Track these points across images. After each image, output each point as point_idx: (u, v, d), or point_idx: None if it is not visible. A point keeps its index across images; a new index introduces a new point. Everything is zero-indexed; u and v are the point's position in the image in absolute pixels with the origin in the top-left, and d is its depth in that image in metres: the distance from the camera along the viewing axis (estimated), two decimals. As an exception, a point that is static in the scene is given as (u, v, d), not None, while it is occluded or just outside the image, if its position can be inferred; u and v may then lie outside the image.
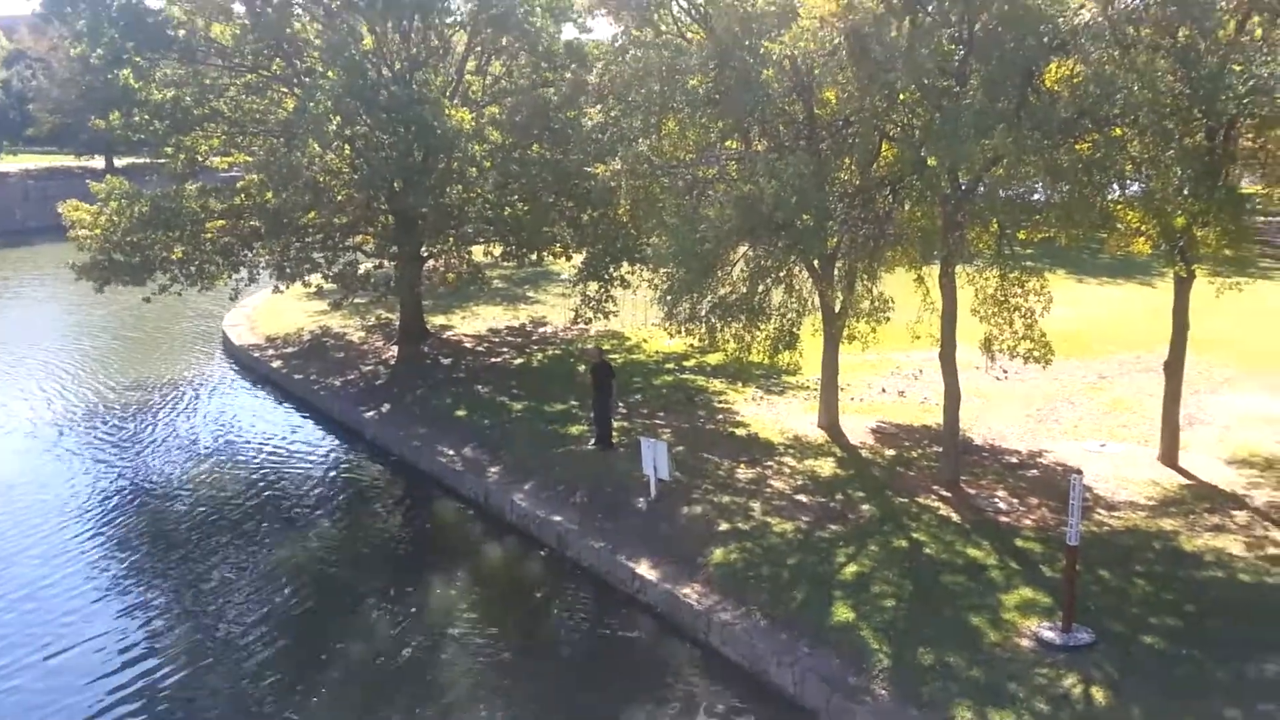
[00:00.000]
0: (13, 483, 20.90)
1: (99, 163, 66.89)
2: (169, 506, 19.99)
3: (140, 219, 24.76)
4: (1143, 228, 17.47)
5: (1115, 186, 17.00)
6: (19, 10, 28.37)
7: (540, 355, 27.67)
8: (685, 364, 26.02)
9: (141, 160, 44.83)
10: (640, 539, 16.62)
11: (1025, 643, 12.98)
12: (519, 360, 27.27)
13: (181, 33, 25.36)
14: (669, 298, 19.65)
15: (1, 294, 41.92)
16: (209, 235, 25.95)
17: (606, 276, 26.10)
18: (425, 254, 28.39)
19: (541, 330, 30.83)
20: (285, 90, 26.63)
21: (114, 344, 33.16)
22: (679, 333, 20.81)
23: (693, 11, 20.49)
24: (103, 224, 25.29)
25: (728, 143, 20.33)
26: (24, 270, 47.51)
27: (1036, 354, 17.28)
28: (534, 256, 28.94)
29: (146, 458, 22.53)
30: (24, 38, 75.41)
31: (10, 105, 64.11)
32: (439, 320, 31.53)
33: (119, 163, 61.51)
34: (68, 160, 71.32)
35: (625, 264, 26.01)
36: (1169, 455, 18.76)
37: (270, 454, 22.95)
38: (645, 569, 15.76)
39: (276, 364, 28.54)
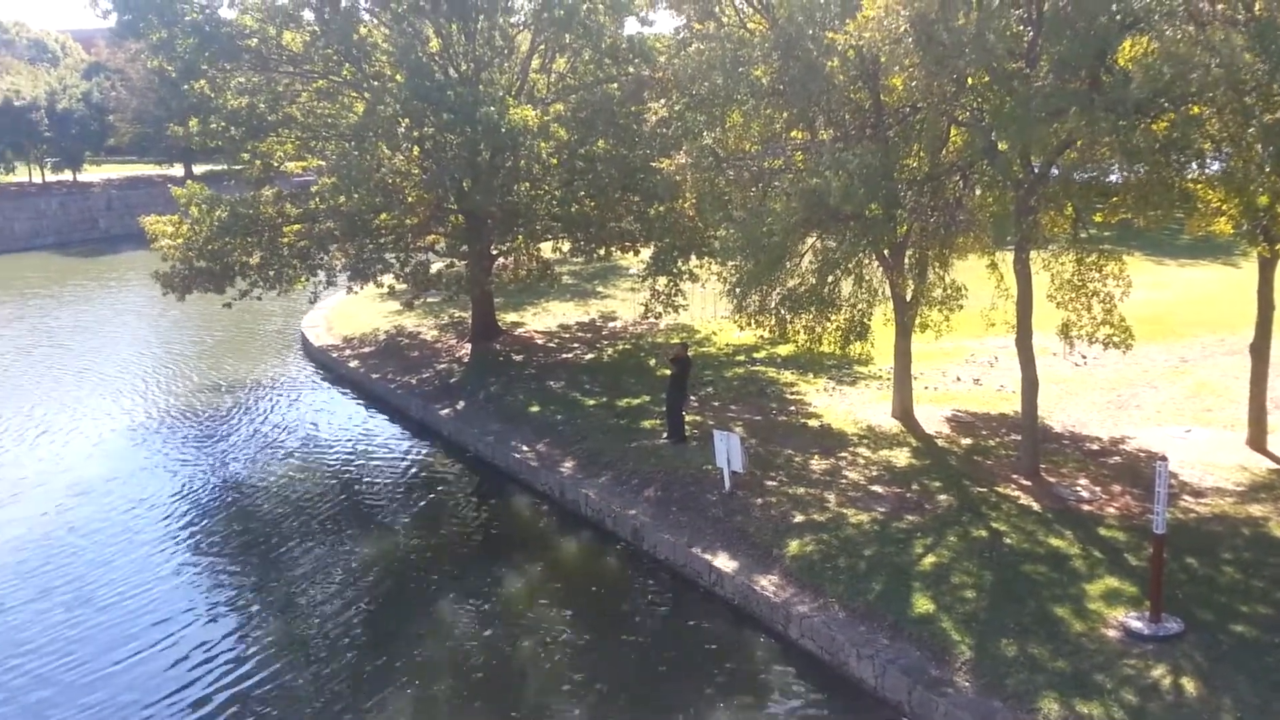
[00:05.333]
0: (107, 482, 21.68)
1: (178, 171, 68.81)
2: (255, 504, 20.58)
3: (220, 225, 25.46)
4: (1224, 207, 17.01)
5: (1194, 166, 16.58)
6: (97, 23, 29.47)
7: (611, 350, 27.85)
8: (756, 356, 26.00)
9: (219, 167, 46.10)
10: (715, 532, 16.70)
11: (1112, 633, 12.80)
12: (590, 355, 27.48)
13: (254, 41, 25.99)
14: (738, 290, 19.68)
15: (91, 300, 43.39)
16: (286, 240, 26.59)
17: (675, 270, 26.17)
18: (495, 252, 28.76)
19: (611, 325, 31.03)
20: (355, 94, 27.15)
21: (198, 346, 34.18)
22: (749, 325, 20.83)
23: (755, 1, 20.43)
24: (184, 233, 26.07)
25: (793, 133, 20.24)
26: (110, 277, 49.06)
27: (1116, 339, 16.95)
28: (602, 252, 29.16)
29: (233, 456, 23.20)
30: (101, 50, 77.75)
31: (91, 117, 66.04)
32: (510, 317, 31.91)
33: (197, 170, 63.22)
34: (148, 169, 73.46)
35: (693, 257, 26.06)
36: (1257, 439, 18.29)
37: (351, 452, 23.50)
38: (721, 561, 15.84)
39: (354, 364, 29.15)
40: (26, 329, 37.60)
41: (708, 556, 16.05)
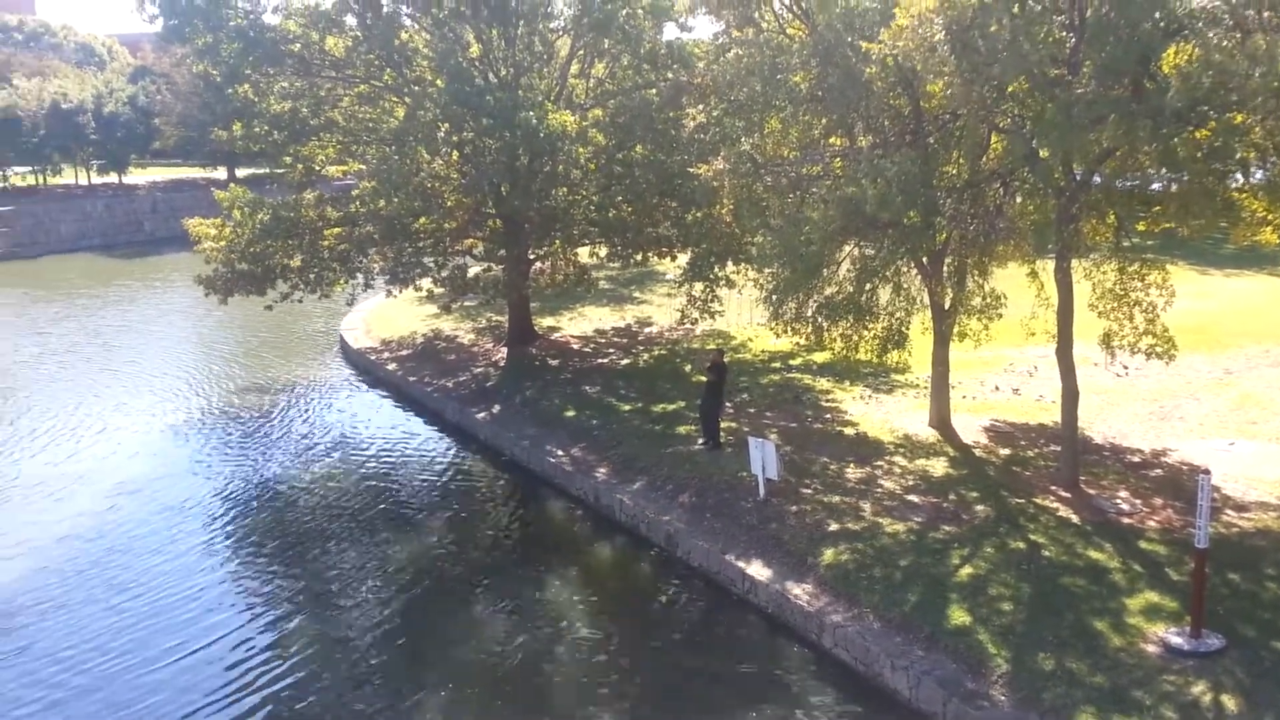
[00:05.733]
0: (155, 481, 21.99)
1: (221, 174, 69.68)
2: (296, 503, 20.79)
3: (262, 228, 25.75)
4: (1269, 217, 16.74)
5: (1238, 175, 16.34)
6: (144, 28, 30.10)
7: (647, 355, 27.88)
8: (791, 363, 25.92)
9: (262, 170, 46.67)
10: (750, 539, 16.67)
11: (1151, 648, 12.63)
12: (625, 361, 27.53)
13: (297, 46, 26.24)
14: (775, 297, 19.65)
15: (137, 301, 44.05)
16: (326, 243, 26.83)
17: (712, 276, 26.19)
18: (532, 256, 28.88)
19: (647, 330, 31.06)
20: (396, 99, 27.35)
21: (241, 347, 34.63)
22: (785, 332, 20.78)
23: (794, 8, 20.39)
24: (227, 235, 26.39)
25: (832, 139, 20.18)
26: (155, 278, 49.77)
27: (1159, 349, 16.75)
28: (639, 257, 29.20)
29: (275, 457, 23.47)
30: (148, 54, 78.93)
31: (137, 120, 67.07)
32: (546, 322, 32.02)
33: (240, 173, 64.00)
34: (192, 172, 74.47)
35: (730, 263, 26.05)
36: (1303, 453, 17.96)
37: (388, 454, 23.68)
38: (755, 569, 15.80)
39: (392, 366, 29.39)
40: (75, 328, 38.25)
41: (741, 564, 16.01)
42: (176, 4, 25.64)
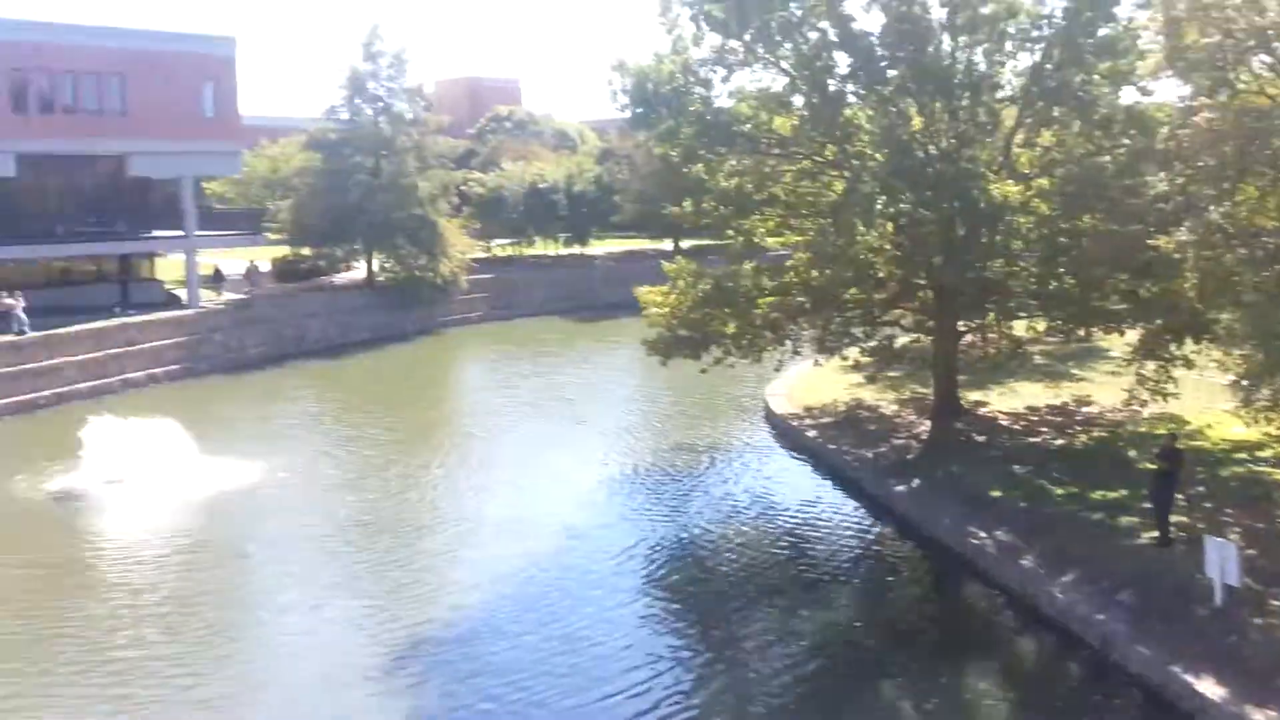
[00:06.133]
0: (594, 527, 23.80)
1: (667, 245, 75.06)
2: (714, 560, 21.65)
3: (703, 296, 27.37)
4: None
5: None
6: (611, 115, 34.58)
7: (1084, 437, 25.93)
8: (1260, 455, 22.81)
9: (703, 242, 49.65)
10: (1202, 651, 14.81)
11: None
12: (1059, 441, 25.78)
13: (747, 127, 27.69)
14: (1246, 382, 17.61)
15: (590, 361, 48.66)
16: (759, 310, 27.87)
17: (1168, 355, 23.93)
18: (962, 328, 28.06)
19: (1086, 410, 28.89)
20: (835, 173, 27.88)
21: (677, 406, 36.79)
22: (1259, 421, 18.48)
23: (1276, 67, 18.25)
24: (671, 302, 28.34)
25: (1321, 207, 17.79)
26: (609, 339, 54.47)
27: None
28: (1081, 332, 27.35)
29: (699, 512, 24.62)
30: (613, 138, 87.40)
31: (600, 197, 74.32)
32: (973, 396, 30.79)
33: (684, 244, 68.48)
34: (641, 243, 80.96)
35: (1189, 342, 23.65)
36: None
37: (803, 519, 23.98)
38: (1208, 685, 13.99)
39: (812, 433, 29.76)
40: (539, 384, 42.77)
41: (1189, 677, 14.25)
42: (644, 93, 28.12)
